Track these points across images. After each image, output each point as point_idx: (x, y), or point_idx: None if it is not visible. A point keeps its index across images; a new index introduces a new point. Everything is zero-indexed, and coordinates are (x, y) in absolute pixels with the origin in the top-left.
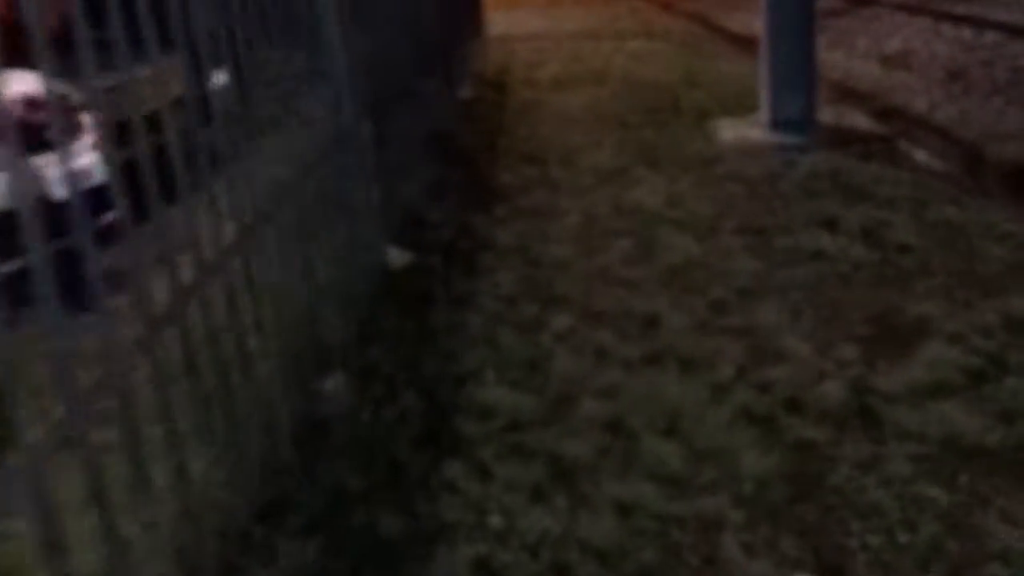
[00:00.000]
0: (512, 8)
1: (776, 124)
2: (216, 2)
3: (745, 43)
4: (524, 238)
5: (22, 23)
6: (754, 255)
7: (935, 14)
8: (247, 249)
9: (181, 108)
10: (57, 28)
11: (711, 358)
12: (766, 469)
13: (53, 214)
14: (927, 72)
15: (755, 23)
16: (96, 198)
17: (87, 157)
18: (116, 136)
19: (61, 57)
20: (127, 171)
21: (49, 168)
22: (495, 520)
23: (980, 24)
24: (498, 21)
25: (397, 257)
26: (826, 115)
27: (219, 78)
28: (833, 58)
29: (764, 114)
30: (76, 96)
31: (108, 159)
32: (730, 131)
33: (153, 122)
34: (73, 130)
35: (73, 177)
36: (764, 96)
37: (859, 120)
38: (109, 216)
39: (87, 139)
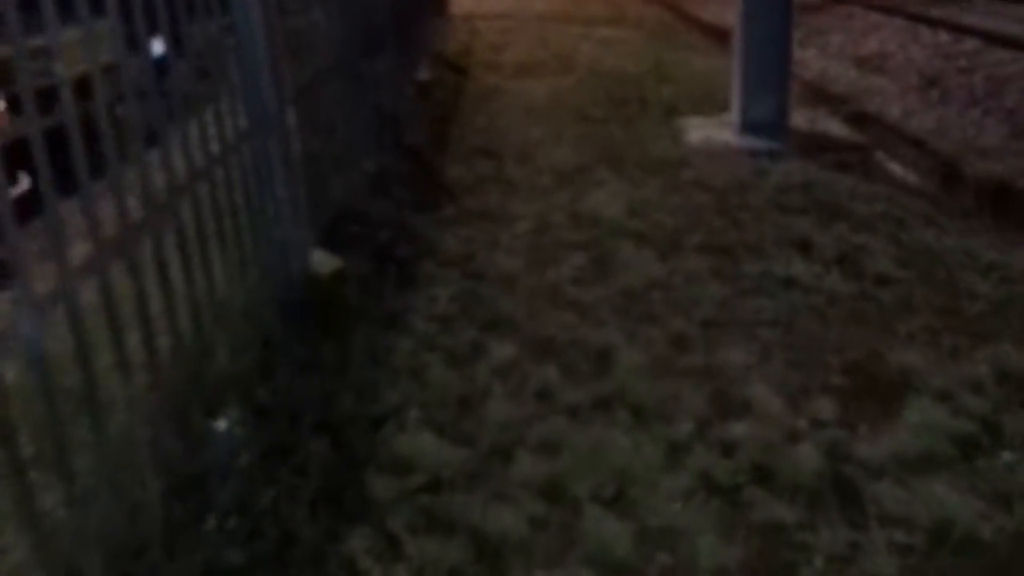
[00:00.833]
0: None
1: (747, 126)
2: None
3: (719, 35)
4: (470, 245)
5: None
6: (720, 279)
7: (910, 15)
8: (119, 255)
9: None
10: None
11: (668, 407)
12: (727, 559)
13: None
14: (903, 76)
15: (728, 15)
16: None
17: None
18: None
19: None
20: None
21: None
22: None
23: (957, 29)
24: None
25: (323, 262)
26: (799, 118)
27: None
28: (806, 56)
29: (735, 114)
30: None
31: None
32: (699, 131)
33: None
34: None
35: None
36: (735, 95)
37: (833, 126)
38: None
39: None
